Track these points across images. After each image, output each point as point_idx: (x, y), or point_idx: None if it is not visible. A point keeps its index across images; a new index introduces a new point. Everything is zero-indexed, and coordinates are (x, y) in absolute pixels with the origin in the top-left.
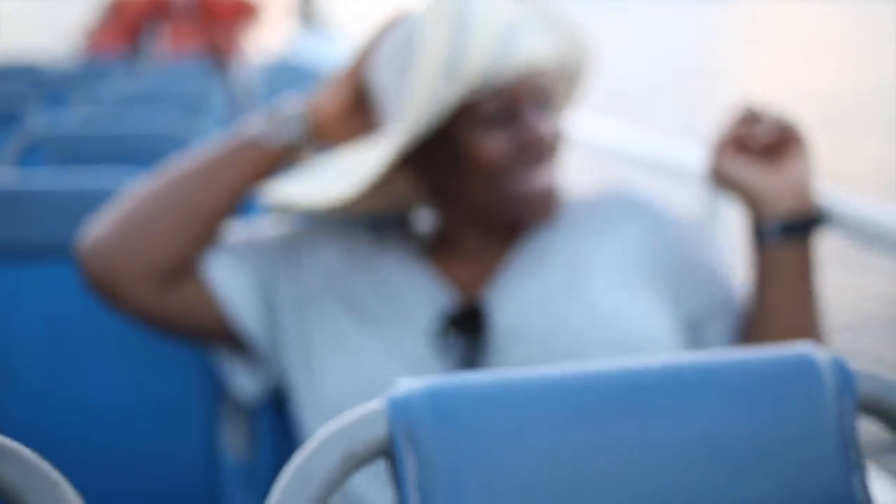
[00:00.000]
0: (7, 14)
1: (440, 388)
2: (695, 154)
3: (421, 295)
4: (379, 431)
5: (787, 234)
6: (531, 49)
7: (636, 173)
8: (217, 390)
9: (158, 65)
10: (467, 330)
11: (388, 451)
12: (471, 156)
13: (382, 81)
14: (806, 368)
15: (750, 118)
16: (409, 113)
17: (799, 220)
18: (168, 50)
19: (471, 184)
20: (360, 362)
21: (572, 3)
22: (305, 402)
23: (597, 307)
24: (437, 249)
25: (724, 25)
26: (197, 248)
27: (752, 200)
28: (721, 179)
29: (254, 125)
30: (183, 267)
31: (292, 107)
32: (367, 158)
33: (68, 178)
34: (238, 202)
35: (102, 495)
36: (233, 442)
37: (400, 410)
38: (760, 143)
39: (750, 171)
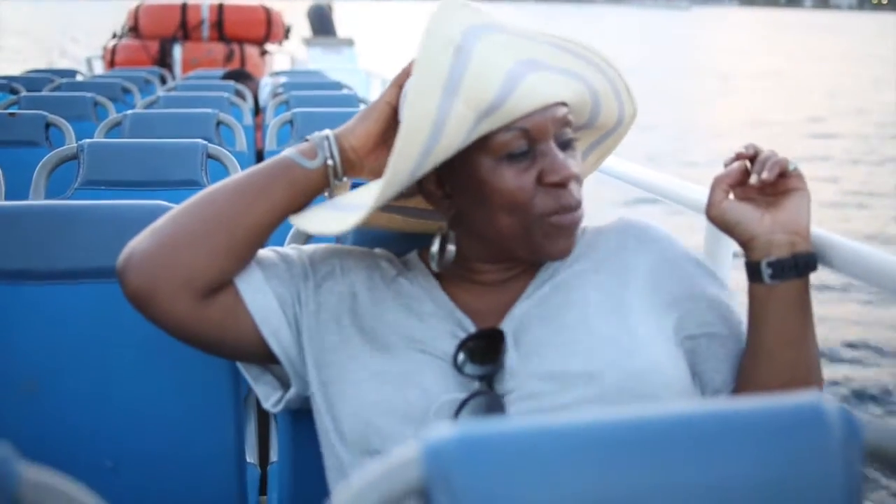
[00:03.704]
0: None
1: (475, 435)
2: (700, 189)
3: (439, 322)
4: (414, 476)
5: (778, 274)
6: (546, 84)
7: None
8: (242, 397)
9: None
10: (485, 357)
11: (423, 496)
12: (493, 189)
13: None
14: (815, 418)
15: (748, 156)
16: (406, 132)
17: (789, 262)
18: (189, 66)
19: (497, 217)
20: (377, 386)
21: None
22: (325, 419)
23: (606, 336)
24: (454, 278)
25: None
26: (236, 267)
27: (743, 240)
28: (716, 217)
29: (291, 150)
30: (220, 284)
31: (324, 134)
32: (376, 186)
33: (108, 201)
34: (278, 224)
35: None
36: (255, 446)
37: (435, 456)
38: (758, 181)
39: (744, 211)
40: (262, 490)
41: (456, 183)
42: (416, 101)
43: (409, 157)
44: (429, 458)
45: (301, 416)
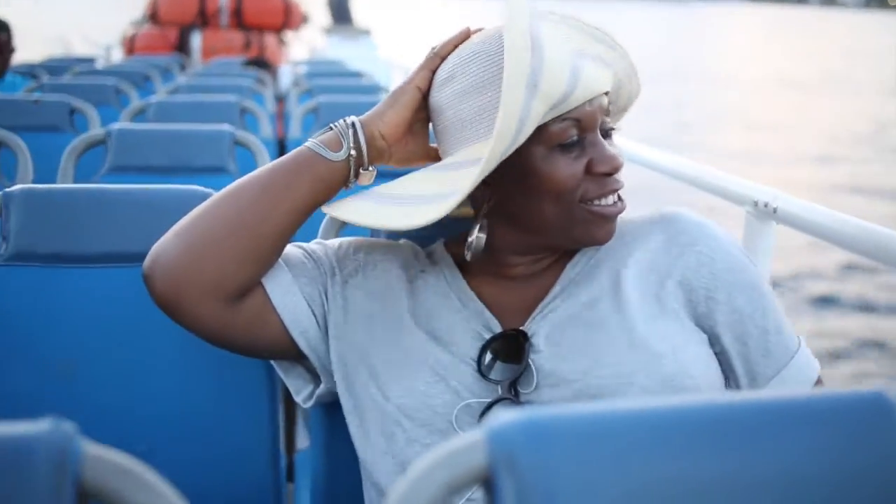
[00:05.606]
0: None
1: (538, 419)
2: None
3: (465, 321)
4: (478, 461)
5: None
6: (596, 75)
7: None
8: (276, 389)
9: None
10: (510, 357)
11: (487, 480)
12: (544, 178)
13: (443, 100)
14: (880, 407)
15: None
16: (500, 132)
17: None
18: (207, 53)
19: (543, 205)
20: (404, 389)
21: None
22: (352, 417)
23: (637, 339)
24: (480, 272)
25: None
26: (263, 271)
27: None
28: None
29: (314, 142)
30: (248, 288)
31: (350, 122)
32: (450, 178)
33: (143, 185)
34: (303, 222)
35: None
36: (290, 438)
37: (499, 440)
38: None
39: None
40: (290, 477)
41: (498, 171)
42: (507, 101)
43: (498, 154)
44: (493, 443)
45: (335, 405)
